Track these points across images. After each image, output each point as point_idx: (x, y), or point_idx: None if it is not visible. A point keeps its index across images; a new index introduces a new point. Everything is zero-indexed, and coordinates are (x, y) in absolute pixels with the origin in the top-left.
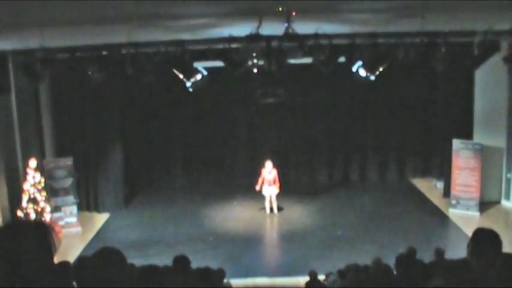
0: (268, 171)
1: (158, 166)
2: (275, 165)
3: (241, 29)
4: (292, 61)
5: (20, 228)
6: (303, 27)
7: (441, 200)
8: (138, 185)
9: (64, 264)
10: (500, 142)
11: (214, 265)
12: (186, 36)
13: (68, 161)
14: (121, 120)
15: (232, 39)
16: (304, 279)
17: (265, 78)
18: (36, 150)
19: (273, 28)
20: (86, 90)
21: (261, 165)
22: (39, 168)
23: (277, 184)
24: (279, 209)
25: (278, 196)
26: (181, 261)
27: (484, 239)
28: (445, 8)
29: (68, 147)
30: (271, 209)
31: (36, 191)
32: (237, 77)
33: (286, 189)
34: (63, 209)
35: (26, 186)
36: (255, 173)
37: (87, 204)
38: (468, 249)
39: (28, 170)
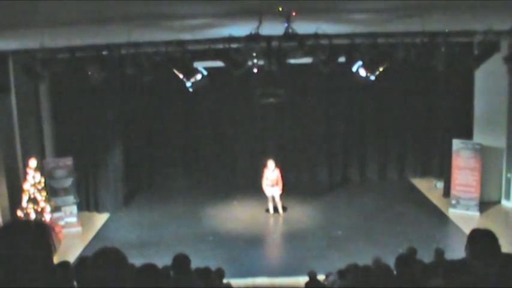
0: (271, 171)
1: (158, 166)
2: (276, 165)
3: (241, 29)
4: (292, 61)
5: (20, 228)
6: (303, 27)
7: (441, 200)
8: (138, 185)
9: (64, 264)
10: (500, 142)
11: (214, 265)
12: (186, 36)
13: (68, 161)
14: (121, 120)
15: (232, 39)
16: (304, 279)
17: (265, 78)
18: (36, 150)
19: (273, 28)
20: (86, 90)
21: (261, 165)
22: (39, 168)
23: (280, 185)
24: (284, 208)
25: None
26: (181, 261)
27: (481, 239)
28: (445, 8)
29: (68, 147)
30: (275, 209)
31: (36, 191)
32: (237, 77)
33: (286, 189)
34: (63, 209)
35: (26, 186)
36: (255, 173)
37: (87, 204)
38: (466, 250)
39: (28, 170)
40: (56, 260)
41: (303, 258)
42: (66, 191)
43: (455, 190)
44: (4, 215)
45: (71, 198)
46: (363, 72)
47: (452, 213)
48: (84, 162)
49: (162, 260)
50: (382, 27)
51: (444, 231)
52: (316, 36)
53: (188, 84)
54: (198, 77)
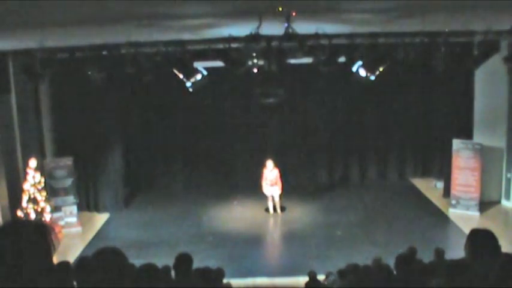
0: (270, 170)
1: (158, 166)
2: (276, 165)
3: (241, 29)
4: (292, 61)
5: (20, 228)
6: (303, 27)
7: (441, 200)
8: (138, 185)
9: (64, 264)
10: (500, 142)
11: (214, 265)
12: (186, 36)
13: (68, 161)
14: (121, 120)
15: (232, 39)
16: (304, 279)
17: (265, 78)
18: (36, 150)
19: (273, 28)
20: (86, 90)
21: (261, 165)
22: (39, 168)
23: (279, 184)
24: (283, 208)
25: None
26: (183, 260)
27: (481, 239)
28: (445, 8)
29: (68, 147)
30: (275, 209)
31: (36, 191)
32: (237, 77)
33: (286, 189)
34: (63, 209)
35: (26, 186)
36: (256, 173)
37: (87, 204)
38: (466, 250)
39: (28, 170)
40: (56, 260)
41: (303, 258)
42: (66, 191)
43: (455, 190)
44: (4, 215)
45: (71, 198)
46: (363, 72)
47: (452, 213)
48: (84, 162)
49: (162, 260)
50: (382, 27)
51: (444, 231)
52: (316, 36)
53: (188, 84)
54: (198, 77)
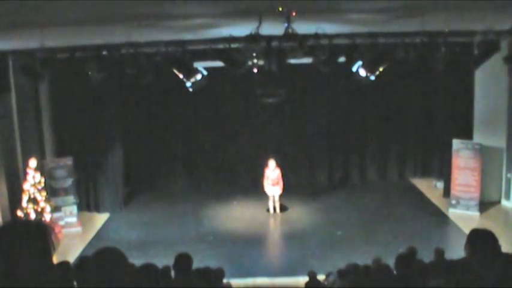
0: (272, 170)
1: (158, 166)
2: (277, 165)
3: (241, 29)
4: (292, 61)
5: (19, 228)
6: (303, 27)
7: (441, 200)
8: (138, 185)
9: (64, 264)
10: (500, 142)
11: (214, 265)
12: (186, 36)
13: (68, 161)
14: (121, 120)
15: (232, 39)
16: (304, 279)
17: (265, 78)
18: (36, 150)
19: (273, 28)
20: (86, 90)
21: (260, 165)
22: (39, 168)
23: (281, 184)
24: (284, 208)
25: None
26: (183, 260)
27: (480, 239)
28: (445, 8)
29: (68, 147)
30: (275, 209)
31: (36, 191)
32: (237, 77)
33: (286, 189)
34: (63, 209)
35: (26, 186)
36: (255, 173)
37: (87, 204)
38: (466, 250)
39: (28, 170)
40: (56, 260)
41: (303, 258)
42: (66, 191)
43: (455, 190)
44: (4, 215)
45: (71, 198)
46: (363, 72)
47: (452, 213)
48: (84, 162)
49: (162, 260)
50: (382, 27)
51: (444, 231)
52: (316, 36)
53: (188, 84)
54: (198, 77)
